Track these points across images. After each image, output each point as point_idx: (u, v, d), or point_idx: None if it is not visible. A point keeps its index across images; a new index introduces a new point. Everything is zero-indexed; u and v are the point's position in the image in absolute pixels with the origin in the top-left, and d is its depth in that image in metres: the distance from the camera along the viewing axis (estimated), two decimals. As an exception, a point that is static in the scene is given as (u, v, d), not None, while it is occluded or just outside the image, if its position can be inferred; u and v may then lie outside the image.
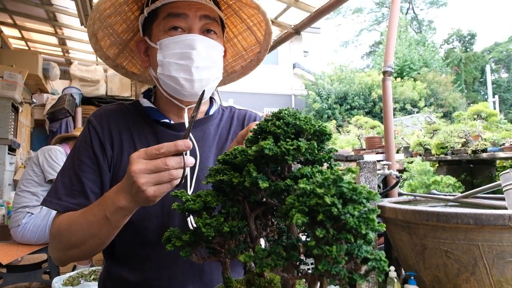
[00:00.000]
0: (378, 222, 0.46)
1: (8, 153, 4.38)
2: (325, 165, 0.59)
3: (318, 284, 0.52)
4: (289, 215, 0.44)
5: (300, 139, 0.53)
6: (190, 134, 1.02)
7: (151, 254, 0.98)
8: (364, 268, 0.45)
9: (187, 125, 1.03)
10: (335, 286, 0.49)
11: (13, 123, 4.52)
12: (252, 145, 0.56)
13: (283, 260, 0.48)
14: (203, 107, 1.13)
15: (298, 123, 0.55)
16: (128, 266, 1.00)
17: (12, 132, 4.50)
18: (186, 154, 1.00)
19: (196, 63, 0.95)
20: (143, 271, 0.98)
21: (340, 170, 0.49)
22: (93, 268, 2.67)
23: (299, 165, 0.56)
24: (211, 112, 1.14)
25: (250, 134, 0.60)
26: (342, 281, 0.44)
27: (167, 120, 1.06)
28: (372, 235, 0.44)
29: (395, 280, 2.27)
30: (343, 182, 0.45)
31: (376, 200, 0.46)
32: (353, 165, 3.42)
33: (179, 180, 0.75)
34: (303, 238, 0.54)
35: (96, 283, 2.24)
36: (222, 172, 0.60)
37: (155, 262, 0.98)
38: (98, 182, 0.98)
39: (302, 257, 0.57)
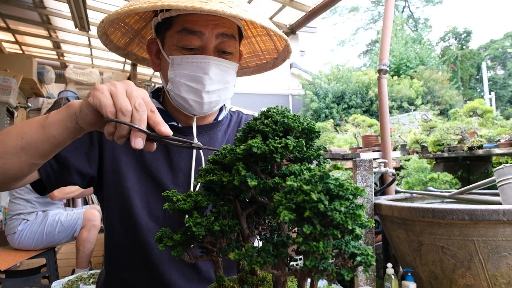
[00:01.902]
0: (364, 220, 0.46)
1: (4, 158, 4.36)
2: (315, 162, 0.60)
3: (309, 280, 0.52)
4: (277, 212, 0.45)
5: (288, 137, 0.54)
6: (196, 140, 1.02)
7: (151, 256, 0.97)
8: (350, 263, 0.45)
9: (194, 130, 1.02)
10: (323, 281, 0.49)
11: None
12: (241, 144, 0.57)
13: (273, 257, 0.49)
14: (212, 114, 1.11)
15: (286, 121, 0.55)
16: (128, 268, 1.00)
17: (8, 137, 4.48)
18: (192, 158, 1.00)
19: (207, 88, 0.93)
20: (143, 272, 0.98)
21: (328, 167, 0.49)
22: (92, 272, 2.67)
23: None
24: (220, 118, 1.12)
25: (239, 133, 0.60)
26: (330, 276, 0.44)
27: (175, 123, 1.04)
28: (359, 231, 0.44)
29: (393, 276, 2.28)
30: (330, 179, 0.45)
31: (364, 196, 0.47)
32: (349, 164, 3.43)
33: (128, 115, 0.64)
34: (295, 235, 0.55)
35: (95, 286, 2.24)
36: (212, 172, 0.61)
37: (155, 264, 0.98)
38: (83, 156, 0.94)
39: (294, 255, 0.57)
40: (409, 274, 2.28)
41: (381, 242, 3.10)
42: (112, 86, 0.66)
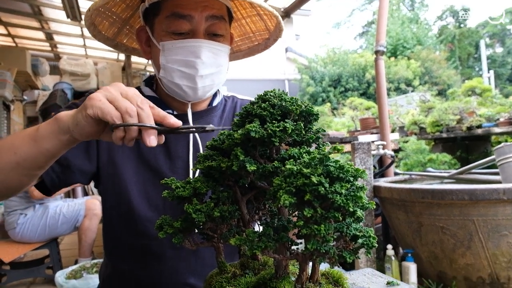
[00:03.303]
0: (365, 202, 0.46)
1: (3, 152, 4.36)
2: (314, 145, 0.59)
3: (310, 263, 0.52)
4: (277, 197, 0.44)
5: (286, 120, 0.53)
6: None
7: (152, 246, 0.97)
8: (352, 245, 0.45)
9: (190, 117, 1.01)
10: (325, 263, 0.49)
11: (5, 121, 4.49)
12: (239, 128, 0.56)
13: (274, 241, 0.48)
14: (206, 99, 1.10)
15: (284, 104, 0.54)
16: (129, 259, 1.00)
17: (5, 131, 4.47)
18: (190, 144, 0.99)
19: (200, 72, 0.91)
20: (144, 264, 0.98)
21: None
22: (95, 261, 2.69)
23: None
24: (214, 103, 1.11)
25: (237, 118, 0.59)
26: (332, 259, 0.44)
27: (170, 111, 1.03)
28: (360, 213, 0.44)
29: (393, 258, 2.31)
30: (330, 161, 0.45)
31: (364, 178, 0.46)
32: (347, 148, 3.43)
33: (132, 117, 0.62)
34: (295, 219, 0.54)
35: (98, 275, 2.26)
36: (210, 158, 0.60)
37: (156, 255, 0.97)
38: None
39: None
40: (409, 255, 2.30)
41: (380, 224, 3.12)
42: (105, 91, 0.64)
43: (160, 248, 0.97)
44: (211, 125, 0.81)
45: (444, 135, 5.17)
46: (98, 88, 5.81)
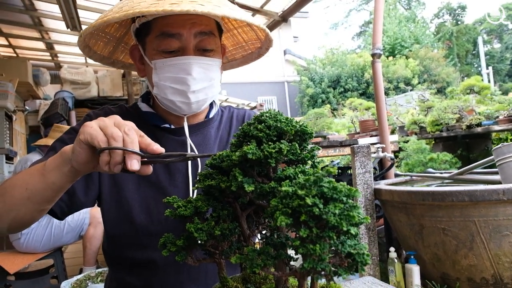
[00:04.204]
0: (360, 216, 0.48)
1: (6, 162, 4.39)
2: (310, 162, 0.61)
3: (309, 278, 0.54)
4: (274, 217, 0.46)
5: (282, 141, 0.55)
6: (190, 142, 1.03)
7: (155, 258, 0.99)
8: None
9: (186, 130, 1.03)
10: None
11: (8, 131, 4.52)
12: (237, 149, 0.58)
13: (272, 259, 0.50)
14: (203, 112, 1.11)
15: (279, 125, 0.56)
16: (133, 273, 1.02)
17: (8, 141, 4.50)
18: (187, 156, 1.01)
19: (192, 88, 0.93)
20: (147, 276, 1.00)
21: (321, 168, 0.51)
22: (100, 270, 2.70)
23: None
24: (211, 115, 1.13)
25: (234, 139, 0.61)
26: (328, 276, 0.46)
27: (167, 125, 1.05)
28: (354, 230, 0.46)
29: (396, 260, 2.32)
30: (323, 182, 0.47)
31: (357, 196, 0.48)
32: (347, 151, 3.45)
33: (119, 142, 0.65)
34: (294, 234, 0.56)
35: (103, 285, 2.28)
36: (210, 176, 0.62)
37: (160, 266, 0.99)
38: None
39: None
40: (412, 257, 2.31)
41: (383, 226, 3.14)
42: (100, 120, 0.68)
43: (164, 260, 0.99)
44: (192, 153, 0.82)
45: (444, 134, 5.18)
46: (98, 96, 5.79)
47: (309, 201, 0.44)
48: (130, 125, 0.68)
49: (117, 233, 1.01)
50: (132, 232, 0.98)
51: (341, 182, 0.48)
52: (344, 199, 0.47)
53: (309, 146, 0.59)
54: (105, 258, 1.09)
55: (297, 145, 0.55)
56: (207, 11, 0.77)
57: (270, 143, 0.55)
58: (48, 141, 3.38)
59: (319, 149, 0.59)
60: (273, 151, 0.52)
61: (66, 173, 0.73)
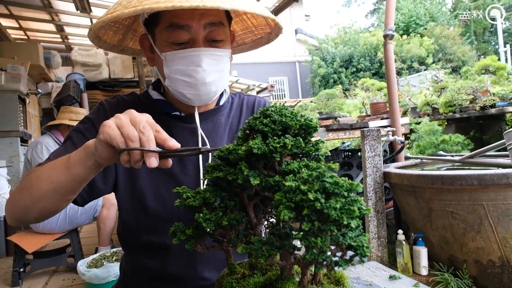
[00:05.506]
0: (362, 208, 0.49)
1: (21, 145, 4.50)
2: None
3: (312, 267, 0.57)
4: (278, 211, 0.49)
5: (287, 136, 0.56)
6: (201, 131, 1.05)
7: (169, 243, 1.02)
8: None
9: (197, 119, 1.04)
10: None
11: (22, 114, 4.61)
12: (243, 143, 0.60)
13: (277, 249, 0.53)
14: (214, 100, 1.12)
15: (284, 120, 0.58)
16: (146, 255, 1.06)
17: (22, 124, 4.59)
18: (199, 146, 1.03)
19: (203, 80, 0.94)
20: (161, 259, 1.04)
21: (323, 165, 0.52)
22: (114, 250, 2.80)
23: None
24: (221, 103, 1.14)
25: (240, 132, 0.63)
26: (329, 267, 0.49)
27: (178, 113, 1.07)
28: (354, 224, 0.48)
29: (404, 242, 2.35)
30: (326, 177, 0.49)
31: (359, 190, 0.50)
32: (358, 133, 3.44)
33: (135, 142, 0.68)
34: (298, 225, 0.59)
35: (118, 264, 2.36)
36: (218, 168, 0.64)
37: (173, 251, 1.03)
38: None
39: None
40: (420, 239, 2.33)
41: (392, 208, 3.16)
42: (116, 119, 0.71)
43: (177, 245, 1.02)
44: (206, 147, 0.85)
45: (457, 115, 5.10)
46: (110, 78, 5.83)
47: (311, 196, 0.46)
48: (145, 121, 0.70)
49: (132, 219, 1.05)
50: (146, 218, 1.02)
51: (343, 178, 0.50)
52: (346, 193, 0.48)
53: (314, 140, 0.61)
54: (120, 241, 1.14)
55: (301, 139, 0.56)
56: (217, 6, 0.77)
57: (275, 137, 0.56)
58: (57, 123, 3.43)
59: (323, 142, 0.61)
60: (278, 145, 0.54)
61: (90, 166, 0.77)
